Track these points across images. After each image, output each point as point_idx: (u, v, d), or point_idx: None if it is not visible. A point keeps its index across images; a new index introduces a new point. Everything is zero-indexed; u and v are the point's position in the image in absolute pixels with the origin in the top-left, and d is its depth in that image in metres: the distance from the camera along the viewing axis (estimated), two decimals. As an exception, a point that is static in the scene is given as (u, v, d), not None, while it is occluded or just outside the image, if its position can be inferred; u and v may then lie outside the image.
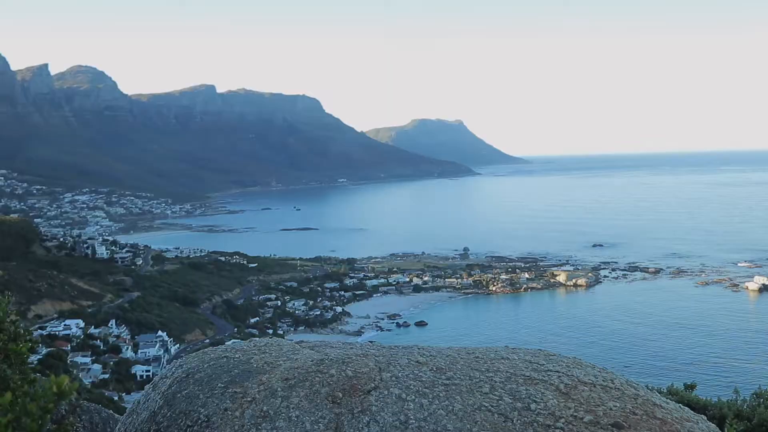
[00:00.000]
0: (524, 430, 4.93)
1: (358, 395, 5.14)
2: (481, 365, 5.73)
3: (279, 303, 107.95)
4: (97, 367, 69.70)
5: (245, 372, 5.75)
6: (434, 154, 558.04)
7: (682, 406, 5.70)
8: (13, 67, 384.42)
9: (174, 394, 5.78)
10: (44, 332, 72.89)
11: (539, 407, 5.15)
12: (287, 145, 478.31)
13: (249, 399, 5.25)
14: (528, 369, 5.73)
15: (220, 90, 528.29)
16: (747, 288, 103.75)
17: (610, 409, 5.15)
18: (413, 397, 5.14)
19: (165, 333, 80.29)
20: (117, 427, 6.33)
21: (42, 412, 3.10)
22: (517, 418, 5.03)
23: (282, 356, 6.02)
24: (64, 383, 3.25)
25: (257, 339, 6.68)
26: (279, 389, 5.37)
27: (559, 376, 5.61)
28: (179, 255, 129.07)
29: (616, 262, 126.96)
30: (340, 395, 5.21)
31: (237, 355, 6.17)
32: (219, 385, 5.60)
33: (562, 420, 5.02)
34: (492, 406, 5.16)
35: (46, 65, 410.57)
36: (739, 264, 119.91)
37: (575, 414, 5.10)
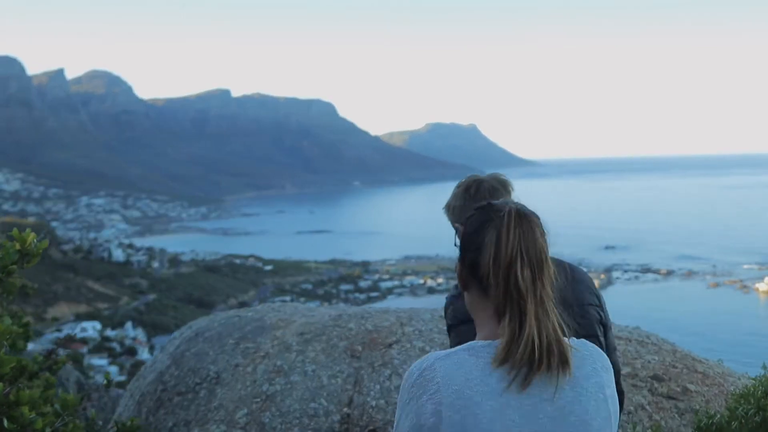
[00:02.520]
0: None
1: (379, 349, 4.84)
2: None
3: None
4: (113, 369, 69.67)
5: (258, 328, 5.45)
6: (448, 158, 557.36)
7: (722, 363, 5.34)
8: (30, 71, 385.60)
9: (182, 353, 5.53)
10: (61, 335, 72.77)
11: (574, 359, 4.84)
12: (302, 149, 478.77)
13: (262, 354, 4.95)
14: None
15: (235, 94, 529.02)
16: (758, 289, 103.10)
17: (648, 362, 4.86)
18: (438, 350, 4.81)
19: (181, 335, 79.99)
20: (124, 394, 6.07)
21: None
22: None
23: (297, 313, 5.71)
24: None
25: (271, 301, 6.35)
26: (294, 344, 5.09)
27: None
28: (195, 258, 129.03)
29: (628, 264, 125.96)
30: (360, 349, 4.91)
31: (250, 314, 5.90)
32: (230, 341, 5.33)
33: (599, 372, 4.70)
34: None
35: (62, 70, 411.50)
36: (749, 266, 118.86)
37: (611, 366, 4.78)
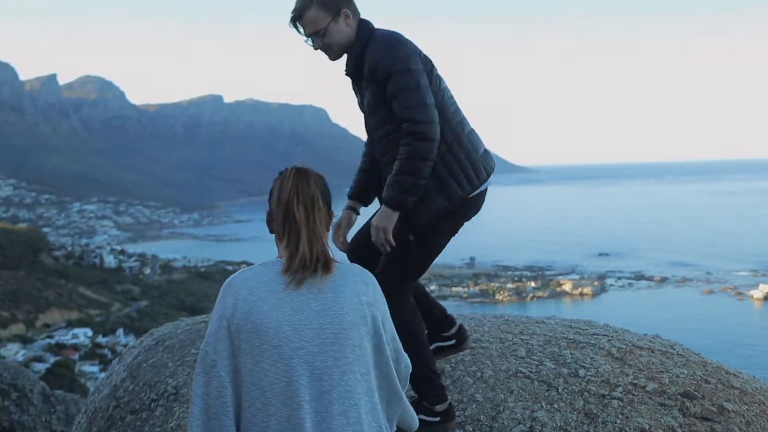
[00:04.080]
0: (573, 400, 3.99)
1: None
2: (513, 328, 4.91)
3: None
4: (104, 375, 68.91)
5: None
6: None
7: (756, 377, 4.64)
8: (22, 77, 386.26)
9: (139, 365, 4.87)
10: (52, 341, 72.36)
11: (589, 374, 4.20)
12: (294, 155, 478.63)
13: (228, 367, 4.31)
14: (570, 332, 4.86)
15: (227, 100, 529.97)
16: (752, 296, 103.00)
17: (677, 376, 4.19)
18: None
19: (172, 341, 79.36)
20: (82, 409, 5.40)
21: None
22: (562, 386, 4.08)
23: None
24: None
25: None
26: (266, 355, 4.37)
27: (609, 340, 4.73)
28: (187, 264, 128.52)
29: (621, 271, 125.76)
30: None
31: None
32: (192, 351, 4.66)
33: (620, 389, 4.07)
34: (531, 372, 4.20)
35: (54, 75, 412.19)
36: (743, 272, 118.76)
37: (635, 382, 4.15)
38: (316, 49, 3.63)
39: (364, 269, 2.67)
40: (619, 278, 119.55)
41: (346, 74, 3.76)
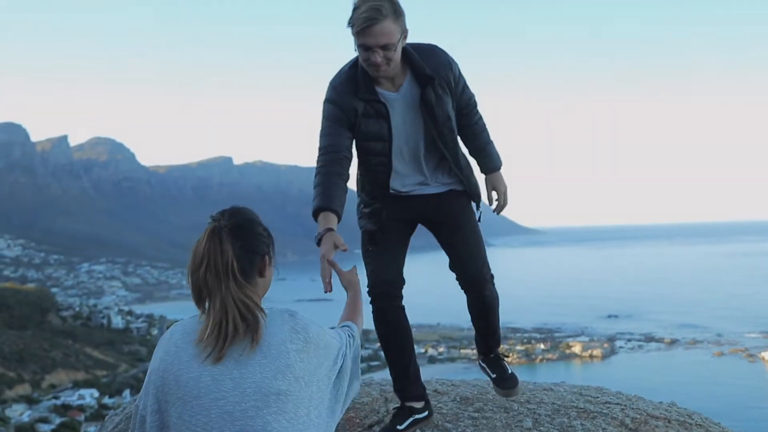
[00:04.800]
0: (584, 476, 3.94)
1: (356, 431, 4.11)
2: (519, 396, 4.55)
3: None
4: (90, 444, 68.41)
5: None
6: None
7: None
8: (34, 138, 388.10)
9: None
10: (58, 402, 71.96)
11: (602, 447, 4.18)
12: (303, 216, 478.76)
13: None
14: (580, 401, 4.60)
15: (237, 162, 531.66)
16: (763, 358, 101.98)
17: (697, 449, 4.19)
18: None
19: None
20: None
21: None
22: (573, 461, 4.04)
23: None
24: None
25: None
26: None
27: (622, 409, 4.47)
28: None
29: (631, 333, 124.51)
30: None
31: None
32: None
33: (636, 464, 4.02)
34: (538, 446, 4.17)
35: (65, 137, 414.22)
36: (754, 334, 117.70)
37: (651, 456, 4.10)
38: (371, 60, 3.58)
39: (294, 314, 2.56)
40: (628, 340, 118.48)
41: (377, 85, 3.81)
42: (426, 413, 4.11)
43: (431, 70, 3.74)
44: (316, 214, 3.77)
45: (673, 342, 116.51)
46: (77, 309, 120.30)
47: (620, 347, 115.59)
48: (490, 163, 4.16)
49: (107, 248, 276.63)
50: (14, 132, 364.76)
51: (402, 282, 4.04)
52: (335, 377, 2.59)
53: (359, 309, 3.25)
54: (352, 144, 3.85)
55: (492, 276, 4.21)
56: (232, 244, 2.49)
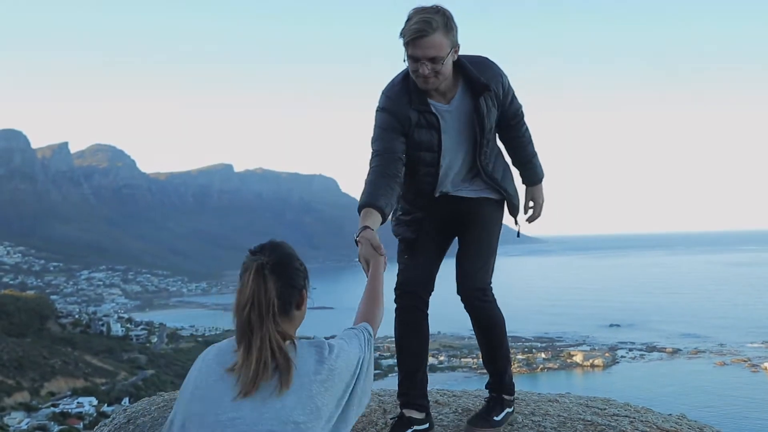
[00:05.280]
0: (594, 491, 3.65)
1: None
2: (524, 408, 4.43)
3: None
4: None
5: None
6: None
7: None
8: (34, 145, 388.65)
9: (108, 445, 4.60)
10: (57, 410, 71.82)
11: (611, 460, 3.88)
12: (303, 224, 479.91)
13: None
14: (587, 413, 4.32)
15: (237, 169, 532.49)
16: (766, 369, 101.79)
17: (711, 466, 3.91)
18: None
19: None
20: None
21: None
22: (580, 477, 3.75)
23: None
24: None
25: None
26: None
27: (631, 422, 4.22)
28: (194, 333, 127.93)
29: (633, 343, 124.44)
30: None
31: None
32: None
33: (646, 478, 3.75)
34: (544, 461, 3.89)
35: (66, 143, 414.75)
36: (756, 344, 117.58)
37: (663, 470, 3.83)
38: (419, 71, 3.61)
39: (322, 343, 2.69)
40: (630, 350, 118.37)
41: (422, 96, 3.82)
42: (426, 425, 4.03)
43: (492, 80, 3.82)
44: (359, 211, 3.67)
45: (675, 352, 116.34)
46: (77, 316, 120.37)
47: (622, 357, 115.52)
48: (534, 176, 4.25)
49: (107, 255, 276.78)
50: (15, 139, 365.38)
51: (430, 288, 4.06)
52: (352, 387, 2.66)
53: (379, 301, 3.29)
54: (405, 150, 3.86)
55: (489, 294, 4.09)
56: (275, 282, 2.60)
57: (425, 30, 3.48)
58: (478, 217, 4.07)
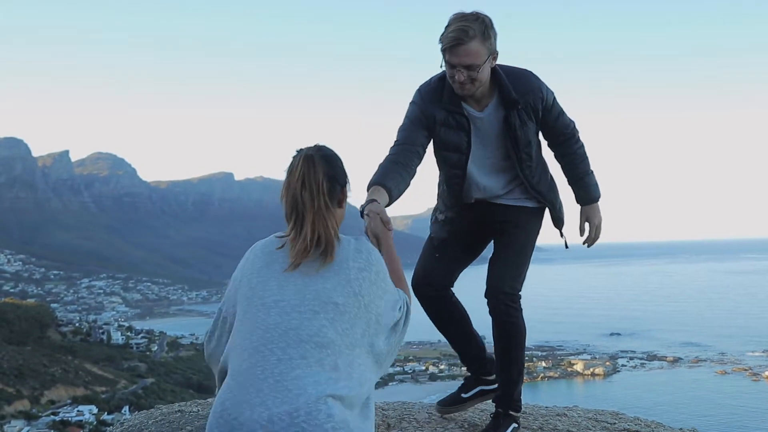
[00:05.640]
0: None
1: None
2: (531, 422, 4.29)
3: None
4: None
5: (203, 428, 4.12)
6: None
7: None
8: (35, 153, 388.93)
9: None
10: (57, 418, 71.66)
11: (623, 477, 3.77)
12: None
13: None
14: (596, 427, 4.23)
15: (238, 177, 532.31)
16: (767, 378, 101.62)
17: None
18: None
19: (179, 420, 78.24)
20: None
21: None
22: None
23: None
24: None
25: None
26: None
27: None
28: (194, 341, 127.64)
29: (634, 351, 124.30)
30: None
31: (195, 409, 4.74)
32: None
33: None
34: (555, 480, 3.77)
35: (66, 152, 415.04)
36: (757, 353, 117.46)
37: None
38: (455, 78, 3.65)
39: (360, 239, 2.97)
40: (631, 358, 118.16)
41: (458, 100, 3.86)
42: (495, 386, 4.25)
43: (519, 94, 3.78)
44: (368, 189, 3.68)
45: (676, 361, 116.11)
46: (77, 324, 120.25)
47: (623, 365, 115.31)
48: (587, 195, 4.20)
49: (107, 264, 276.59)
50: (16, 147, 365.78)
51: (448, 282, 4.15)
52: (393, 326, 2.88)
53: (403, 282, 3.25)
54: (427, 144, 3.91)
55: (516, 301, 4.06)
56: (323, 169, 2.85)
57: (462, 38, 3.53)
58: (514, 223, 4.09)
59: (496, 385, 4.20)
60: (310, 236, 2.73)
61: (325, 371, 2.57)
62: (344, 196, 2.99)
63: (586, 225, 4.22)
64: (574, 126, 4.04)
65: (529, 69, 3.90)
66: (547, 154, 4.22)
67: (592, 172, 4.16)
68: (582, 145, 4.09)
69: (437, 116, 3.84)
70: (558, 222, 4.22)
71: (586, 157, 4.12)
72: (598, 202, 4.24)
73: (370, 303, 2.74)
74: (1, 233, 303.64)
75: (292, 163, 2.89)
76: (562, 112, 3.96)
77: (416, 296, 4.05)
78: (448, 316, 4.19)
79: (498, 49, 3.70)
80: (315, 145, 2.94)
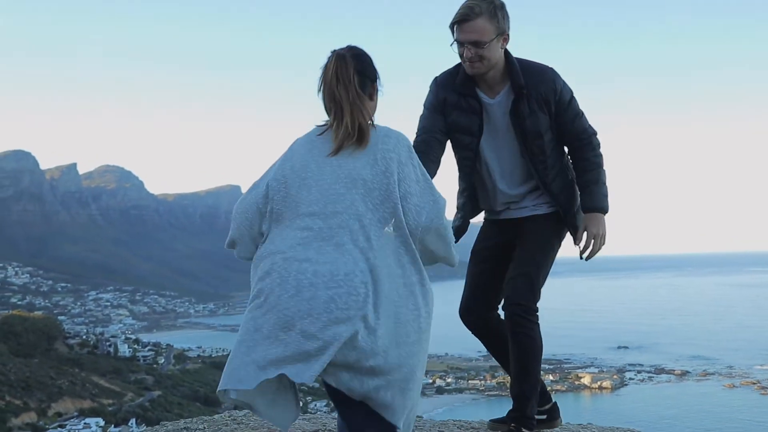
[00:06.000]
0: None
1: None
2: None
3: (301, 403, 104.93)
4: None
5: None
6: (462, 256, 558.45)
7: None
8: (43, 166, 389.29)
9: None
10: (64, 430, 71.82)
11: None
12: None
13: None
14: None
15: (245, 190, 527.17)
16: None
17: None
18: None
19: (185, 433, 78.07)
20: None
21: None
22: None
23: (263, 427, 4.54)
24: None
25: (235, 411, 5.21)
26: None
27: None
28: (201, 354, 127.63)
29: (641, 365, 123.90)
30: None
31: (201, 426, 4.75)
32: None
33: None
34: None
35: (74, 164, 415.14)
36: (766, 366, 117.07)
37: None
38: (464, 55, 3.77)
39: (389, 130, 3.21)
40: (639, 372, 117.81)
41: (465, 89, 3.98)
42: (545, 416, 4.29)
43: (531, 84, 3.83)
44: None
45: (684, 374, 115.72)
46: (84, 337, 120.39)
47: (630, 379, 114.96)
48: (591, 202, 4.11)
49: (115, 276, 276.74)
50: (24, 160, 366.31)
51: (489, 305, 4.25)
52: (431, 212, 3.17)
53: None
54: (445, 129, 3.99)
55: (530, 312, 4.05)
56: (354, 66, 3.14)
57: (468, 15, 3.66)
58: (529, 232, 4.11)
59: (545, 416, 4.21)
60: (350, 124, 3.07)
61: (360, 242, 2.95)
62: (374, 89, 3.25)
63: (585, 235, 4.13)
64: (593, 134, 4.03)
65: (549, 66, 3.95)
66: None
67: (603, 183, 4.12)
68: (599, 155, 4.08)
69: (449, 99, 3.94)
70: (572, 229, 4.20)
71: (601, 168, 4.10)
72: (604, 215, 4.14)
73: (399, 181, 3.06)
74: (9, 246, 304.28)
75: (326, 62, 3.19)
76: (580, 115, 3.98)
77: (464, 324, 4.21)
78: (492, 344, 4.25)
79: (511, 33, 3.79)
80: (347, 46, 3.24)
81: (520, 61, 3.86)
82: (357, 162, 3.05)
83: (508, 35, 3.77)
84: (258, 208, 3.28)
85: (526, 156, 3.95)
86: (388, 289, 2.95)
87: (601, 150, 4.10)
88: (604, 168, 4.12)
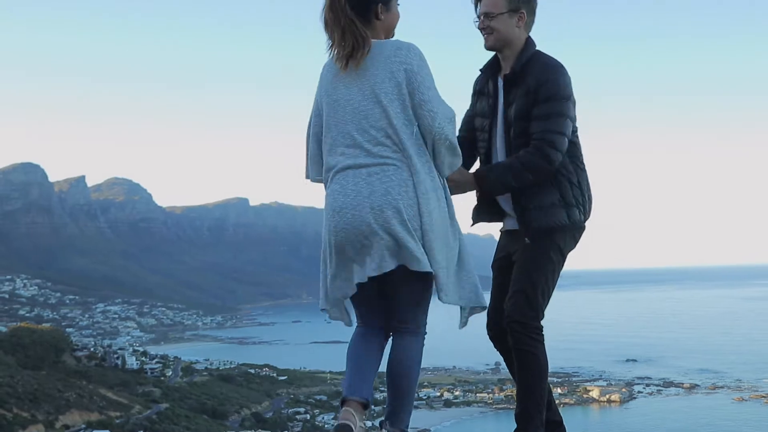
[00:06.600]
0: None
1: None
2: None
3: (308, 416, 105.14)
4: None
5: None
6: (482, 270, 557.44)
7: None
8: (52, 178, 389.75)
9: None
10: (71, 443, 71.79)
11: None
12: (318, 258, 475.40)
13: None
14: None
15: (252, 203, 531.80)
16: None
17: None
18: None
19: (193, 446, 78.32)
20: None
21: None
22: None
23: None
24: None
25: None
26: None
27: None
28: (209, 367, 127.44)
29: (650, 378, 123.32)
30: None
31: None
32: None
33: None
34: None
35: (83, 177, 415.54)
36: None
37: None
38: (480, 28, 3.93)
39: (401, 42, 3.53)
40: (647, 385, 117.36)
41: (482, 73, 4.18)
42: None
43: (529, 72, 3.85)
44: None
45: (693, 387, 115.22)
46: (92, 349, 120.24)
47: (639, 392, 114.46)
48: (489, 167, 4.00)
49: (123, 289, 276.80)
50: (32, 172, 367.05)
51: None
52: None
53: None
54: (473, 122, 4.15)
55: (528, 329, 4.01)
56: None
57: None
58: (525, 248, 4.06)
59: None
60: (341, 43, 3.50)
61: (388, 147, 3.46)
62: (380, 9, 3.56)
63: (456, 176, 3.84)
64: (550, 143, 3.76)
65: (560, 63, 3.93)
66: (590, 165, 4.13)
67: (513, 174, 3.82)
68: (537, 162, 3.78)
69: (476, 86, 4.17)
70: (523, 226, 4.04)
71: (526, 170, 3.79)
72: (479, 186, 3.95)
73: (414, 91, 3.44)
74: (18, 258, 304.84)
75: None
76: (552, 118, 3.76)
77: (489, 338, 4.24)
78: (512, 361, 4.21)
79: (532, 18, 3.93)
80: None
81: (538, 52, 3.85)
82: (376, 78, 3.44)
83: (523, 14, 3.81)
84: (313, 133, 3.81)
85: (509, 140, 3.90)
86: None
87: (547, 165, 3.78)
88: (529, 176, 3.79)
